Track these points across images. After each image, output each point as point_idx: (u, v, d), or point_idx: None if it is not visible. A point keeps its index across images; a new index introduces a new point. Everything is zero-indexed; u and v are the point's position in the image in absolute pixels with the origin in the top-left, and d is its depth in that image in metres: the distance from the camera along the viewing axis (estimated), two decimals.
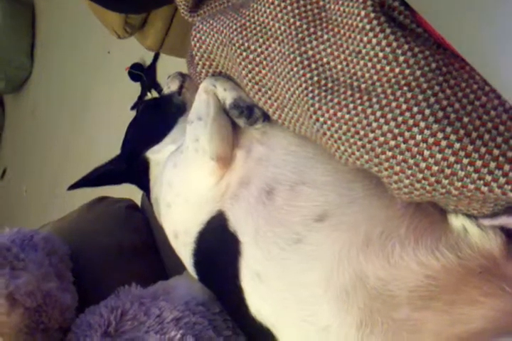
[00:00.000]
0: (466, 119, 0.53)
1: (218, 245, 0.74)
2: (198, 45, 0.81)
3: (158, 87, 2.62)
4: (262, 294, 0.68)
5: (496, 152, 0.52)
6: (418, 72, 0.55)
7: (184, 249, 0.80)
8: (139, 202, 1.23)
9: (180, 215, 0.80)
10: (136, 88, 2.67)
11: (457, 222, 0.60)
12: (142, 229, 1.12)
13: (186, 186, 0.79)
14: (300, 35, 0.66)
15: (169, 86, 1.02)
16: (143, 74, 2.65)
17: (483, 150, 0.52)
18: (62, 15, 3.30)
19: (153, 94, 2.62)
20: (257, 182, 0.71)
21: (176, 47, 1.71)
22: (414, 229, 0.61)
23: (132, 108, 2.68)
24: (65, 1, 3.10)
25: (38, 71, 3.69)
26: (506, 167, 0.52)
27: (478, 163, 0.52)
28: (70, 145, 3.15)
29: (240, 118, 0.76)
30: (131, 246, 1.06)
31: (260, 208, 0.69)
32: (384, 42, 0.58)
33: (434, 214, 0.62)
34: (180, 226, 0.80)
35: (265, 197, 0.69)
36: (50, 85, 3.50)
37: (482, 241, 0.59)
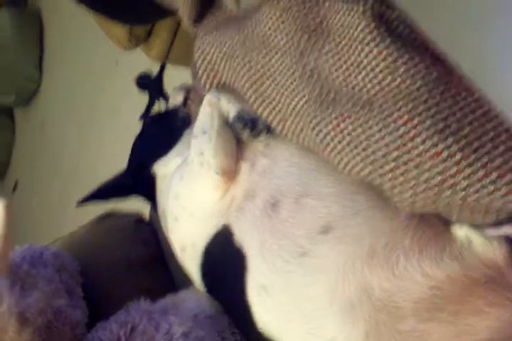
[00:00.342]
0: (467, 129, 0.53)
1: (225, 258, 0.74)
2: (201, 57, 0.82)
3: (165, 96, 2.64)
4: (268, 307, 0.68)
5: (498, 161, 0.52)
6: (419, 82, 0.55)
7: (191, 262, 0.80)
8: (147, 215, 1.23)
9: (187, 229, 0.80)
10: (144, 98, 2.69)
11: (461, 232, 0.60)
12: (151, 242, 1.12)
13: (192, 200, 0.79)
14: (301, 47, 0.66)
15: (174, 98, 1.02)
16: (150, 83, 2.67)
17: (485, 159, 0.52)
18: (69, 27, 3.33)
19: (161, 103, 2.63)
20: (262, 194, 0.71)
21: (182, 57, 1.72)
22: (419, 240, 0.60)
23: (141, 118, 2.69)
24: (72, 13, 3.12)
25: (46, 83, 3.72)
26: (509, 176, 0.51)
27: (481, 172, 0.52)
28: (79, 157, 3.17)
29: (244, 130, 0.76)
30: (140, 259, 1.06)
31: (266, 221, 0.69)
32: (385, 53, 0.58)
33: (438, 225, 0.61)
34: (187, 240, 0.80)
35: (270, 210, 0.69)
36: (58, 97, 3.53)
37: (486, 250, 0.58)
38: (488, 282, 0.57)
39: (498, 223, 0.56)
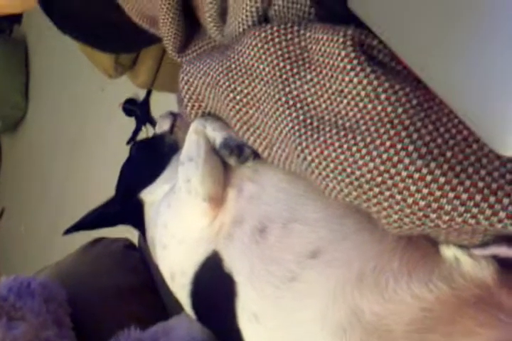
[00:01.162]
0: (449, 154, 0.54)
1: (215, 285, 0.74)
2: (186, 87, 0.83)
3: (152, 122, 2.65)
4: (259, 334, 0.68)
5: (480, 184, 0.53)
6: (400, 109, 0.57)
7: (181, 290, 0.80)
8: (136, 241, 1.23)
9: (176, 256, 0.80)
10: (131, 123, 2.70)
11: (449, 252, 0.60)
12: (140, 268, 1.12)
13: (180, 227, 0.79)
14: (284, 76, 0.67)
15: (161, 125, 1.03)
16: (137, 109, 2.68)
17: (468, 183, 0.53)
18: (54, 54, 3.35)
19: (148, 128, 2.65)
20: (250, 220, 0.72)
21: (168, 83, 1.74)
22: (407, 262, 0.61)
23: (128, 142, 2.70)
24: (57, 40, 3.14)
25: (33, 110, 3.72)
26: (491, 199, 0.52)
27: (464, 196, 0.53)
28: (67, 183, 3.15)
29: (231, 157, 0.76)
30: (130, 287, 1.06)
31: (254, 247, 0.69)
32: (365, 81, 0.59)
33: (426, 246, 0.62)
34: (177, 268, 0.80)
35: (258, 236, 0.70)
36: (45, 124, 3.53)
37: (475, 270, 0.59)
38: (478, 302, 0.57)
39: (485, 243, 0.57)
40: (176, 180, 0.82)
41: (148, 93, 2.65)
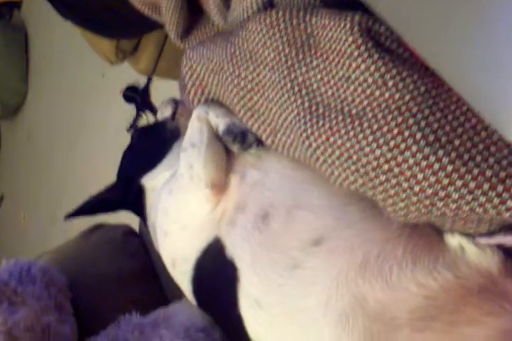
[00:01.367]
0: (457, 142, 0.53)
1: (217, 272, 0.74)
2: (189, 73, 0.82)
3: (152, 109, 2.64)
4: (261, 321, 0.68)
5: (488, 173, 0.52)
6: (407, 96, 0.56)
7: (182, 276, 0.80)
8: (136, 227, 1.22)
9: (178, 243, 0.80)
10: (131, 110, 2.69)
11: (454, 240, 0.60)
12: (140, 254, 1.12)
13: (182, 213, 0.79)
14: (290, 62, 0.67)
15: (162, 112, 1.02)
16: (137, 96, 2.67)
17: (476, 171, 0.52)
18: (55, 39, 3.33)
19: (148, 115, 2.64)
20: (253, 207, 0.71)
21: (169, 70, 1.72)
22: (411, 250, 0.61)
23: (128, 129, 2.69)
24: (57, 26, 3.12)
25: (33, 96, 3.70)
26: (500, 187, 0.52)
27: (472, 184, 0.52)
28: (67, 170, 3.15)
29: (234, 144, 0.76)
30: (130, 272, 1.06)
31: (256, 234, 0.69)
32: (373, 68, 0.58)
33: (431, 235, 0.62)
34: (178, 254, 0.80)
35: (261, 222, 0.69)
36: (45, 110, 3.51)
37: (479, 259, 0.59)
38: (483, 291, 0.57)
39: (491, 232, 0.57)
40: (178, 167, 0.81)
41: (149, 80, 2.64)
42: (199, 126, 0.79)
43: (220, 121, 0.78)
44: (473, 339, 0.57)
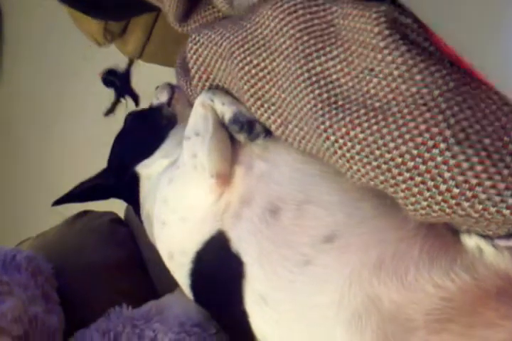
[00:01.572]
0: (487, 141, 0.52)
1: (219, 266, 0.72)
2: (194, 57, 0.79)
3: (133, 94, 2.58)
4: (267, 318, 0.66)
5: None
6: (436, 92, 0.54)
7: (180, 269, 0.77)
8: (122, 215, 1.19)
9: (176, 234, 0.77)
10: (110, 94, 2.62)
11: (471, 241, 0.59)
12: (128, 243, 1.09)
13: (183, 203, 0.76)
14: (307, 51, 0.64)
15: (158, 97, 0.99)
16: (117, 80, 2.60)
17: (505, 172, 0.51)
18: (32, 18, 3.20)
19: (127, 100, 2.58)
20: (260, 200, 0.69)
21: (157, 54, 1.68)
22: (428, 250, 0.59)
23: (106, 114, 2.63)
24: (34, 6, 3.01)
25: (7, 81, 3.57)
26: None
27: (501, 185, 0.51)
28: (45, 154, 3.05)
29: (241, 133, 0.73)
30: (117, 261, 1.02)
31: (264, 228, 0.67)
32: (399, 60, 0.56)
33: (447, 235, 0.61)
34: (176, 246, 0.77)
35: (269, 217, 0.67)
36: (21, 94, 3.39)
37: (497, 260, 0.58)
38: (501, 293, 0.57)
39: (510, 234, 0.56)
40: (180, 155, 0.78)
41: (130, 64, 2.58)
42: (203, 114, 0.76)
43: (226, 109, 0.75)
44: None
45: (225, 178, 0.72)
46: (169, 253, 0.79)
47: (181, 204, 0.76)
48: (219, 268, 0.72)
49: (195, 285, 0.76)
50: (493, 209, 0.52)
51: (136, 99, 2.55)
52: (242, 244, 0.68)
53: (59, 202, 0.93)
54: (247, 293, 0.67)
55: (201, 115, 0.76)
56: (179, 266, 0.77)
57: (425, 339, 0.57)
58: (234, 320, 0.70)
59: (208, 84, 0.80)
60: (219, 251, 0.71)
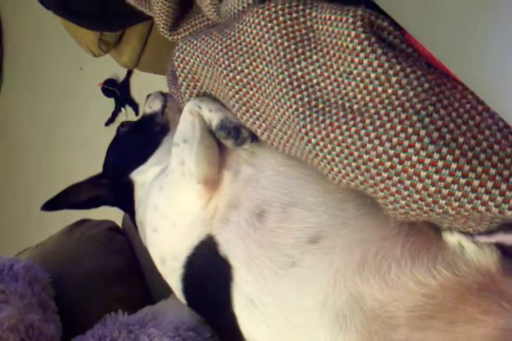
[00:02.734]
0: (461, 139, 0.53)
1: (209, 270, 0.73)
2: (181, 65, 0.80)
3: (132, 103, 2.60)
4: (255, 320, 0.66)
5: (492, 171, 0.52)
6: (411, 93, 0.55)
7: (172, 274, 0.78)
8: (119, 223, 1.20)
9: (168, 240, 0.78)
10: (110, 104, 2.64)
11: (452, 238, 0.60)
12: (125, 251, 1.10)
13: (173, 210, 0.77)
14: (288, 56, 0.65)
15: (151, 106, 1.00)
16: (116, 89, 2.62)
17: (479, 169, 0.52)
18: (31, 30, 3.24)
19: (127, 109, 2.60)
20: (247, 204, 0.70)
21: (152, 63, 1.69)
22: (410, 248, 0.60)
23: (107, 124, 2.65)
24: (33, 16, 3.04)
25: (7, 88, 3.61)
26: (503, 186, 0.52)
27: (476, 182, 0.52)
28: (44, 163, 3.08)
29: (228, 139, 0.74)
30: (115, 269, 1.04)
31: (251, 231, 0.68)
32: (375, 63, 0.57)
33: (429, 232, 0.62)
34: (168, 251, 0.78)
35: (256, 220, 0.68)
36: (20, 102, 3.43)
37: (478, 257, 0.59)
38: (481, 289, 0.57)
39: (491, 231, 0.57)
40: (169, 162, 0.80)
41: (129, 74, 2.60)
42: (191, 121, 0.77)
43: (213, 116, 0.76)
44: (472, 337, 0.57)
45: (212, 184, 0.74)
46: (161, 259, 0.80)
47: (171, 211, 0.78)
48: (209, 272, 0.73)
49: (187, 290, 0.77)
50: (469, 206, 0.53)
51: (136, 108, 2.57)
52: (231, 248, 0.69)
53: (49, 206, 0.92)
54: (235, 297, 0.68)
55: (189, 122, 0.77)
56: (171, 271, 0.78)
57: (408, 336, 0.57)
58: (225, 323, 0.71)
59: (195, 91, 0.81)
60: (208, 255, 0.72)
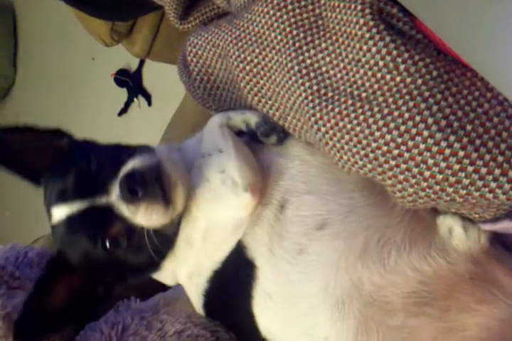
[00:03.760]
0: (469, 127, 0.53)
1: (234, 277, 0.70)
2: (194, 60, 0.81)
3: (144, 92, 2.61)
4: (271, 313, 0.67)
5: (500, 159, 0.52)
6: (419, 81, 0.55)
7: (195, 289, 0.76)
8: None
9: (197, 255, 0.73)
10: (122, 94, 2.66)
11: (445, 223, 0.61)
12: None
13: (209, 222, 0.72)
14: (297, 44, 0.65)
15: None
16: (129, 80, 2.63)
17: (487, 157, 0.52)
18: (44, 22, 3.26)
19: (139, 99, 2.61)
20: (277, 197, 0.69)
21: (164, 53, 1.70)
22: (410, 235, 0.61)
23: (120, 114, 2.66)
24: (46, 9, 3.06)
25: (21, 80, 3.63)
26: (511, 173, 0.52)
27: (483, 170, 0.52)
28: None
29: (272, 135, 0.73)
30: None
31: (275, 224, 0.67)
32: (384, 51, 0.57)
33: (427, 219, 0.63)
34: (196, 267, 0.74)
35: (279, 212, 0.67)
36: (34, 94, 3.45)
37: (463, 242, 0.60)
38: (474, 278, 0.58)
39: (496, 218, 0.57)
40: (197, 174, 0.73)
41: (141, 64, 2.61)
42: (220, 132, 0.74)
43: (249, 116, 0.74)
44: (466, 326, 0.58)
45: (259, 191, 0.70)
46: (190, 274, 0.76)
47: (207, 223, 0.72)
48: (234, 279, 0.71)
49: (208, 304, 0.76)
50: (476, 194, 0.53)
51: (148, 98, 2.58)
52: (256, 247, 0.68)
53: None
54: (256, 294, 0.67)
55: (218, 134, 0.74)
56: (195, 286, 0.76)
57: (403, 321, 0.58)
58: (246, 327, 0.70)
59: (209, 85, 0.81)
60: (236, 262, 0.70)
